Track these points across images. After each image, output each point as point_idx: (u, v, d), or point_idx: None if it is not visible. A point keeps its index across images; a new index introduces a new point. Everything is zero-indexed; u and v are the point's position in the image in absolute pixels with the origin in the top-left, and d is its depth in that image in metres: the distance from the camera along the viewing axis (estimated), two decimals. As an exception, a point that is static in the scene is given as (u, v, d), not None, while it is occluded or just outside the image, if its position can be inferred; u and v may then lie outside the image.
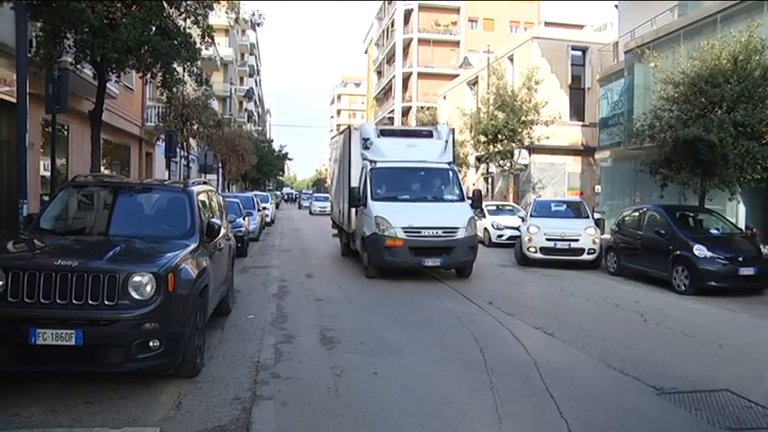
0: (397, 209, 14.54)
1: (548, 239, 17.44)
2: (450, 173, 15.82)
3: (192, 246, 7.39)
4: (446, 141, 16.14)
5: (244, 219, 20.20)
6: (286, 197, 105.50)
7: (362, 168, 15.72)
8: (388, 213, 14.37)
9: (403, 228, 14.18)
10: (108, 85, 15.93)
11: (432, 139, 16.28)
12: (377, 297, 12.59)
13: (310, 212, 52.88)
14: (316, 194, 69.40)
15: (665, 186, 18.22)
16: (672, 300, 13.05)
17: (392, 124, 71.98)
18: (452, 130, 17.00)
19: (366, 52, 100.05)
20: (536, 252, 17.59)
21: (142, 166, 28.29)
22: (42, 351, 5.86)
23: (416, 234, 14.15)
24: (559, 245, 17.39)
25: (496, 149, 31.02)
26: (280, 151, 76.94)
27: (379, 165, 15.49)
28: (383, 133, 16.36)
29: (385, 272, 14.85)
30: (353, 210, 16.21)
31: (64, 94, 12.46)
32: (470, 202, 15.59)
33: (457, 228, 14.38)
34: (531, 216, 18.95)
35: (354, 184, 15.89)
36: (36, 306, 5.91)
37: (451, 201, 15.34)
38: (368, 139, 16.04)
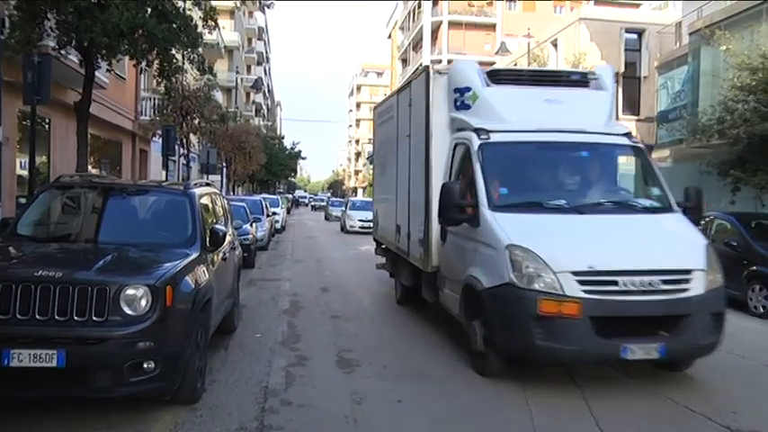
0: (551, 229, 8.10)
1: None
2: (635, 153, 9.66)
3: (194, 255, 7.41)
4: (612, 94, 10.24)
5: (251, 225, 20.26)
6: (298, 201, 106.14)
7: (453, 147, 9.89)
8: (538, 240, 7.82)
9: (576, 273, 7.49)
10: (97, 73, 16.01)
11: (587, 89, 10.11)
12: (403, 314, 12.56)
13: (326, 218, 53.02)
14: (332, 199, 69.16)
15: (737, 191, 17.90)
16: (746, 324, 12.63)
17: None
18: (616, 74, 12.06)
19: (389, 37, 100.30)
20: None
21: (136, 165, 28.54)
22: (18, 374, 5.83)
23: (607, 287, 7.52)
24: None
25: None
26: (292, 149, 77.29)
27: (497, 138, 9.14)
28: (497, 78, 9.98)
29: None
30: (433, 227, 10.00)
31: (45, 82, 12.46)
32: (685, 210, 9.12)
33: (689, 271, 7.84)
34: None
35: (440, 177, 9.91)
36: (11, 323, 5.88)
37: (654, 211, 8.91)
38: (466, 90, 9.90)
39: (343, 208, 42.62)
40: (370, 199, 41.71)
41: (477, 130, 9.25)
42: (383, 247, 14.70)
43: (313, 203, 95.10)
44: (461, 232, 9.09)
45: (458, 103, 10.04)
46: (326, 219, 52.48)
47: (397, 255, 12.77)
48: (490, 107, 9.62)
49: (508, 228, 8.07)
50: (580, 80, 10.30)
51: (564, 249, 7.71)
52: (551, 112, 9.49)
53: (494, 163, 8.97)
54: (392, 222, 12.98)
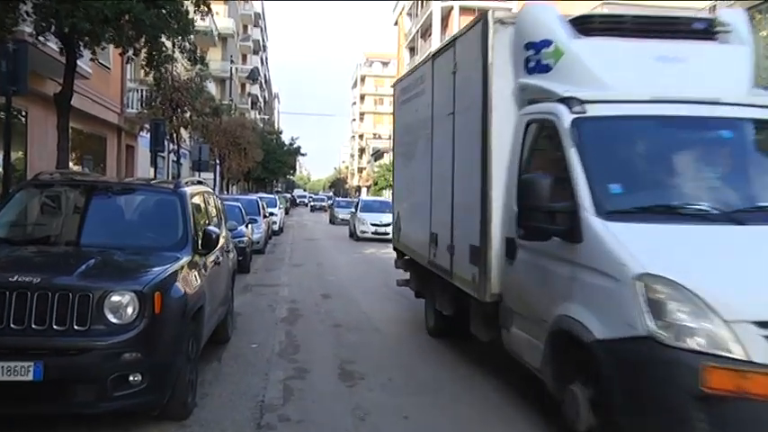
0: (703, 250, 5.78)
1: None
2: None
3: (185, 259, 7.42)
4: (751, 50, 7.83)
5: (246, 227, 20.36)
6: (297, 201, 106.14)
7: (526, 126, 7.64)
8: (689, 268, 5.46)
9: (764, 324, 5.14)
10: (79, 62, 15.93)
11: (715, 43, 7.77)
12: (410, 322, 12.56)
13: (331, 221, 50.90)
14: (338, 199, 63.59)
15: None
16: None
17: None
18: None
19: (396, 24, 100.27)
20: None
21: (122, 161, 28.60)
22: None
23: None
24: None
25: None
26: (290, 145, 77.33)
27: (597, 111, 6.89)
28: (589, 27, 7.58)
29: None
30: (493, 239, 7.83)
31: (22, 72, 12.31)
32: None
33: None
34: None
35: (502, 168, 7.82)
36: (-19, 333, 5.85)
37: None
38: (544, 44, 7.59)
39: (353, 209, 37.93)
40: (384, 199, 41.06)
41: (567, 101, 6.84)
42: (406, 258, 12.54)
43: (312, 204, 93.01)
44: (547, 249, 6.66)
45: (531, 64, 7.63)
46: (332, 222, 50.18)
47: (430, 272, 10.40)
48: (582, 67, 7.21)
49: (634, 246, 5.68)
50: (705, 30, 7.83)
51: (735, 283, 5.30)
52: (670, 75, 7.18)
53: (596, 147, 6.64)
54: (423, 229, 10.57)
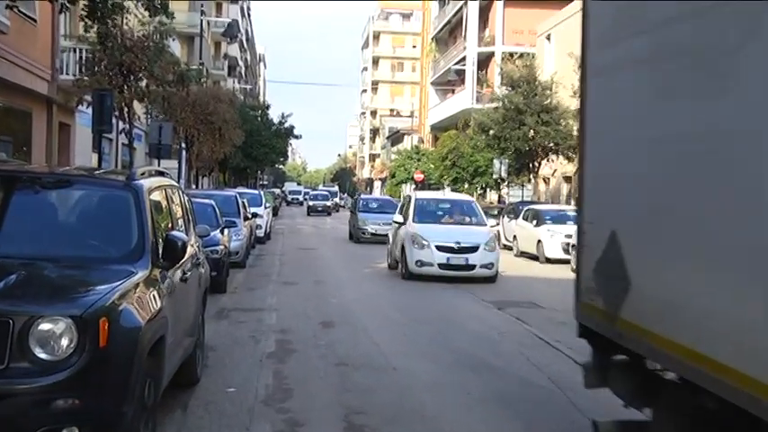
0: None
1: None
2: None
3: (141, 274, 7.40)
4: None
5: (222, 232, 20.59)
6: (290, 197, 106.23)
7: None
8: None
9: None
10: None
11: None
12: (437, 360, 12.55)
13: (352, 235, 41.33)
14: (365, 197, 52.63)
15: None
16: None
17: (461, 79, 72.21)
18: None
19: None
20: None
21: (53, 144, 28.43)
22: None
23: None
24: None
25: None
26: (281, 124, 77.28)
27: None
28: None
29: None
30: None
31: None
32: None
33: None
34: None
35: None
36: None
37: None
38: None
39: (397, 217, 27.51)
40: (464, 197, 33.23)
41: None
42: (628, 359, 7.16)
43: (312, 202, 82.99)
44: None
45: None
46: (355, 239, 40.36)
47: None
48: None
49: None
50: None
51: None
52: None
53: None
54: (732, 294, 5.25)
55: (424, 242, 23.80)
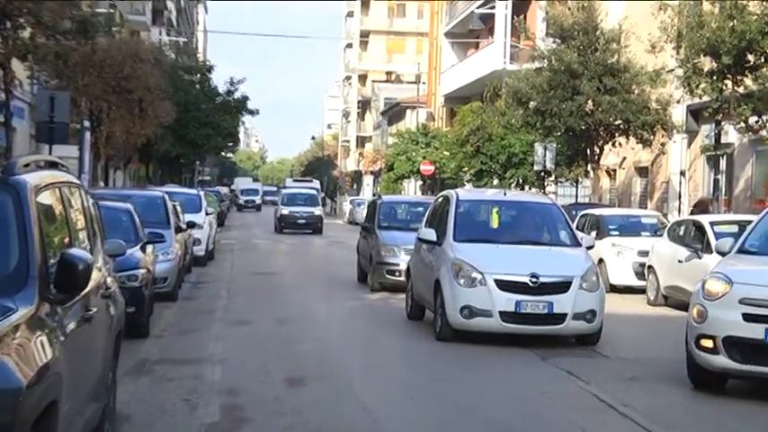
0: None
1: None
2: None
3: (22, 311, 7.36)
4: None
5: (144, 250, 20.77)
6: (243, 200, 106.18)
7: None
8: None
9: None
10: None
11: None
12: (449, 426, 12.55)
13: (378, 282, 31.38)
14: (389, 200, 41.31)
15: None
16: None
17: (488, 29, 72.22)
18: None
19: None
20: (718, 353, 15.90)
21: None
22: None
23: None
24: None
25: (743, 89, 31.57)
26: (229, 94, 77.27)
27: None
28: None
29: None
30: None
31: None
32: None
33: None
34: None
35: None
36: None
37: None
38: None
39: (429, 235, 23.00)
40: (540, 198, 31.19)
41: None
42: None
43: (284, 210, 71.13)
44: None
45: None
46: (370, 281, 31.91)
47: None
48: None
49: None
50: None
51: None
52: None
53: None
54: None
55: (476, 275, 20.16)
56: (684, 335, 16.22)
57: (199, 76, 76.13)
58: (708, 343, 15.45)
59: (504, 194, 26.85)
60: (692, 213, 36.42)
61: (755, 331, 15.06)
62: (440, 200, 25.41)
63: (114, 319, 10.79)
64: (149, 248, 21.42)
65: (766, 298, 14.97)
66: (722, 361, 15.45)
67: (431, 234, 22.28)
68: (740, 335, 15.40)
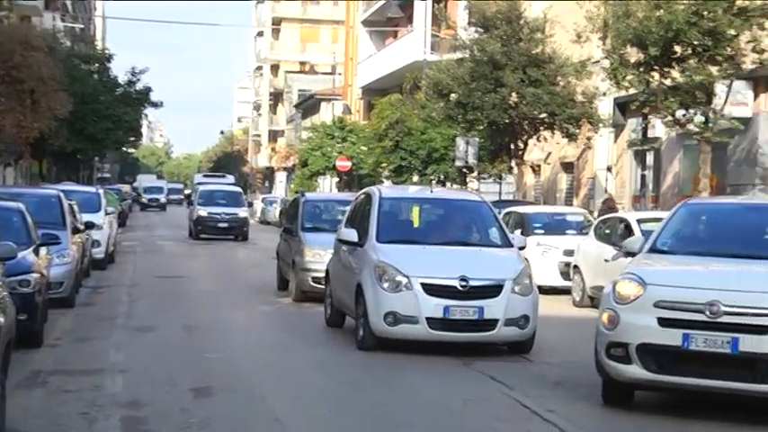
0: None
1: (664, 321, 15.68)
2: None
3: None
4: None
5: (36, 253, 20.60)
6: (146, 199, 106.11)
7: None
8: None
9: None
10: None
11: None
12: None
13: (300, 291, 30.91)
14: (312, 198, 38.43)
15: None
16: None
17: (407, 17, 72.59)
18: None
19: None
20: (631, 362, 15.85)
21: None
22: None
23: None
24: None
25: (670, 81, 32.18)
26: (130, 84, 77.34)
27: None
28: None
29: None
30: None
31: None
32: None
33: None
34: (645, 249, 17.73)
35: None
36: None
37: None
38: None
39: (350, 235, 22.82)
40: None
41: None
42: None
43: (202, 211, 62.53)
44: None
45: None
46: (293, 289, 30.38)
47: None
48: None
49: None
50: None
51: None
52: None
53: None
54: None
55: (401, 278, 19.86)
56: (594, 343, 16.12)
57: (97, 65, 76.27)
58: (620, 351, 15.37)
59: (431, 192, 26.62)
60: (600, 212, 37.08)
61: (673, 337, 15.00)
62: (361, 198, 24.96)
63: (3, 327, 10.57)
64: (43, 251, 21.26)
65: (684, 300, 14.93)
66: (636, 371, 15.35)
67: (351, 234, 22.03)
68: (656, 341, 15.30)
